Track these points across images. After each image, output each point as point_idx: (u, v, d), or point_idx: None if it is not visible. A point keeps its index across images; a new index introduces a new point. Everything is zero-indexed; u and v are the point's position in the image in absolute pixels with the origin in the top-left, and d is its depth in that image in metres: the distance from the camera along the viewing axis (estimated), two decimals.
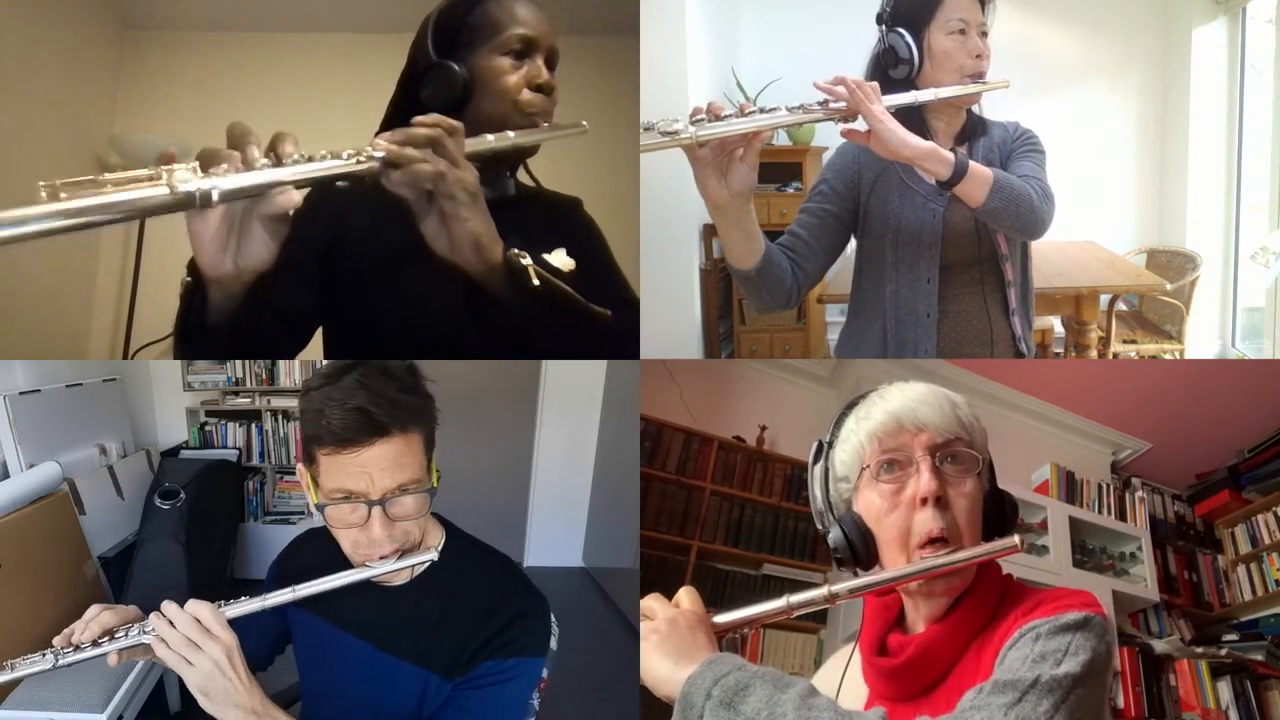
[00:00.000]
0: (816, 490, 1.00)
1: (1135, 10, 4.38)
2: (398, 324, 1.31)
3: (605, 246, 1.52)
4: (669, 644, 0.85)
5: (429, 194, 1.08)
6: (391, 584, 1.16)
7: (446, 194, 1.07)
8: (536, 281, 1.12)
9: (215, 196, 0.93)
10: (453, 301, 1.16)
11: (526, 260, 1.12)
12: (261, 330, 1.18)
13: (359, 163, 1.05)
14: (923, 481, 0.91)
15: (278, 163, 0.99)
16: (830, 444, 1.00)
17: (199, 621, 0.97)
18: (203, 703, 0.96)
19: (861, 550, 0.94)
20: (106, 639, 1.01)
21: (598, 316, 1.24)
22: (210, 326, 1.07)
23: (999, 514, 0.95)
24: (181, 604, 1.00)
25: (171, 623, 0.97)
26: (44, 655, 1.00)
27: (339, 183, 1.05)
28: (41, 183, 0.83)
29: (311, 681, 1.25)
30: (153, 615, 0.99)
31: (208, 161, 0.95)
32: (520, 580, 1.20)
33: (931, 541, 0.90)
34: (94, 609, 1.04)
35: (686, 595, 0.92)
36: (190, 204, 0.92)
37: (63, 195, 0.83)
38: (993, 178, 1.43)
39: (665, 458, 2.77)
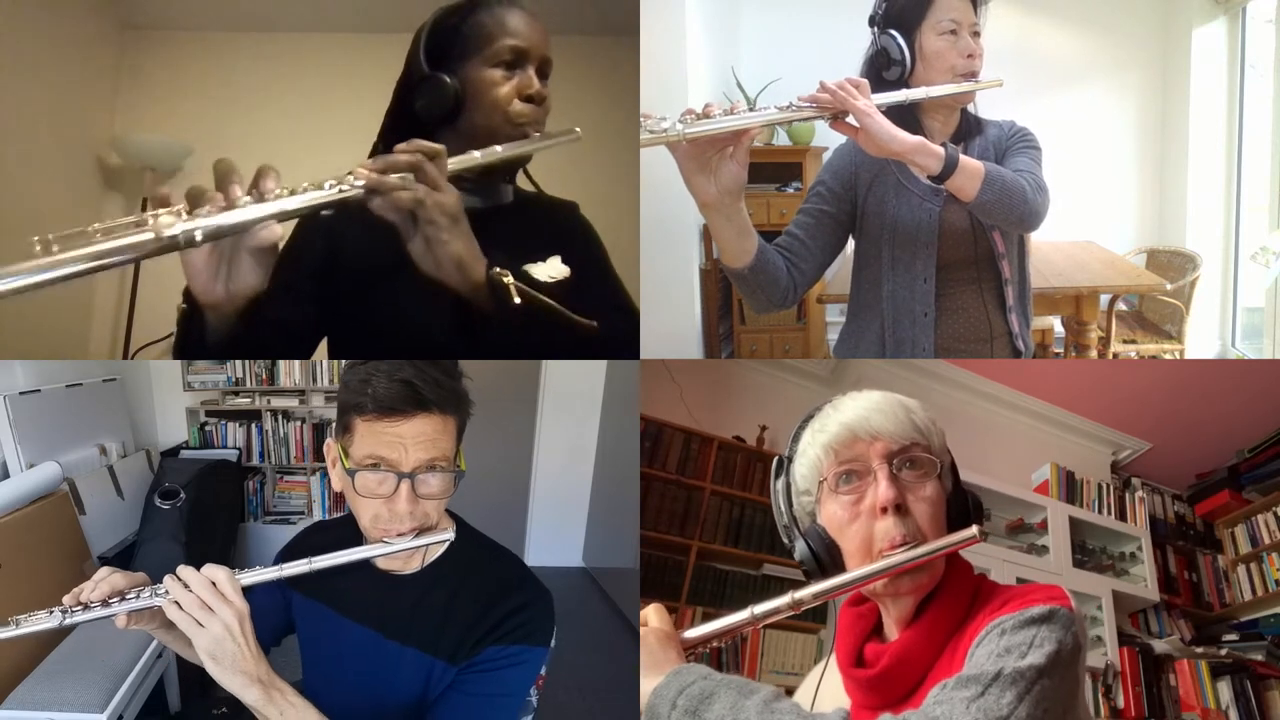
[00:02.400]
0: (781, 504, 1.00)
1: (1135, 10, 4.38)
2: (394, 336, 1.32)
3: (602, 251, 1.52)
4: (642, 659, 0.87)
5: (414, 216, 1.11)
6: (400, 572, 1.18)
7: (427, 218, 1.10)
8: (517, 299, 1.15)
9: (199, 237, 0.98)
10: (444, 315, 1.19)
11: (508, 279, 1.15)
12: (264, 345, 1.21)
13: (342, 191, 1.08)
14: (881, 490, 0.91)
15: (260, 199, 1.03)
16: (790, 458, 1.00)
17: (214, 585, 0.98)
18: (210, 667, 0.96)
19: (827, 562, 0.94)
20: (116, 600, 1.00)
21: (584, 329, 1.24)
22: (209, 346, 1.12)
23: (963, 514, 0.94)
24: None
25: (186, 585, 0.97)
26: (50, 613, 1.00)
27: (324, 212, 1.09)
28: (35, 237, 0.89)
29: (315, 671, 1.26)
30: (167, 578, 0.99)
31: (195, 202, 1.00)
32: (525, 573, 1.22)
33: (895, 549, 0.90)
34: (104, 570, 1.03)
35: (654, 613, 0.93)
36: (175, 247, 0.97)
37: (55, 249, 0.89)
38: (984, 171, 1.43)
39: (665, 458, 2.77)
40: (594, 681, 2.85)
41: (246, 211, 1.02)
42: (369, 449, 1.06)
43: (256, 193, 1.03)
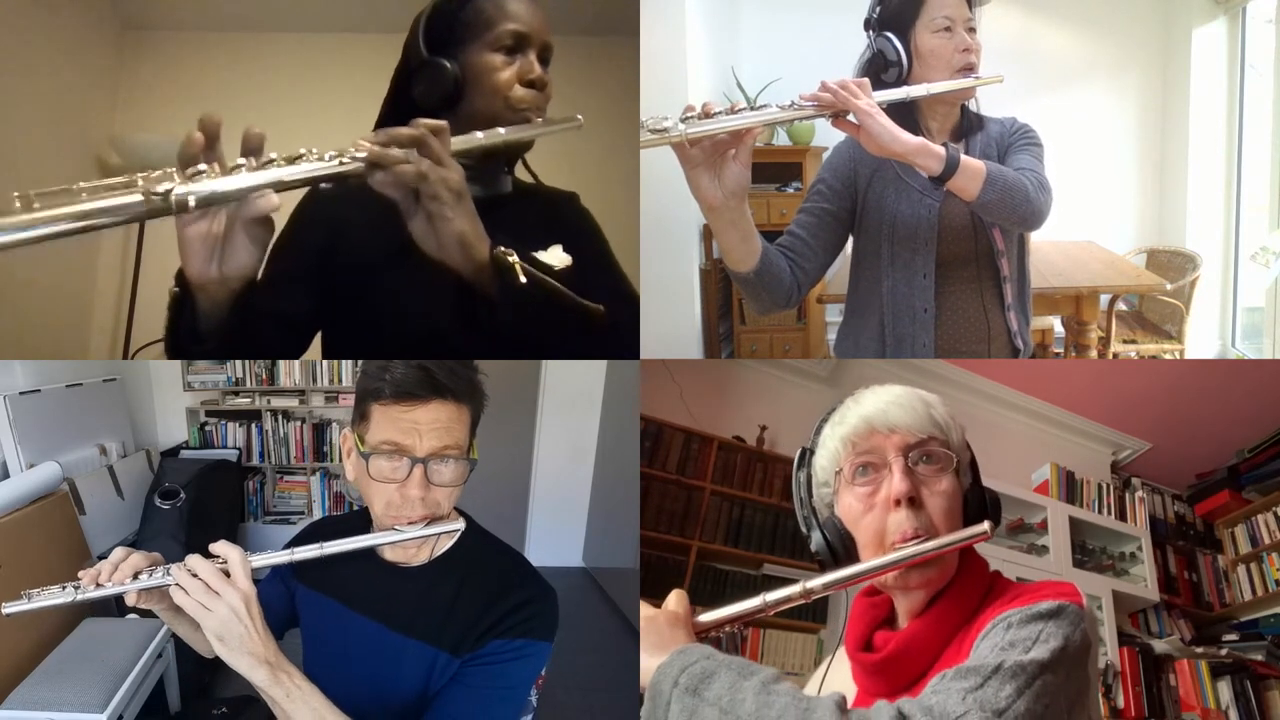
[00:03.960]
0: (801, 495, 1.01)
1: (1135, 10, 4.38)
2: (395, 323, 1.31)
3: (603, 240, 1.51)
4: (646, 640, 0.87)
5: (416, 194, 1.09)
6: (407, 565, 1.18)
7: (430, 194, 1.08)
8: (523, 279, 1.13)
9: (192, 203, 0.95)
10: (447, 300, 1.17)
11: (513, 258, 1.13)
12: (260, 336, 1.20)
13: (342, 164, 1.06)
14: (895, 483, 0.92)
15: (257, 165, 1.01)
16: (811, 451, 1.01)
17: (222, 568, 0.99)
18: (218, 648, 0.98)
19: (842, 553, 0.95)
20: (129, 578, 1.02)
21: (590, 311, 1.23)
22: (201, 334, 1.10)
23: (980, 510, 0.95)
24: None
25: (194, 573, 0.99)
26: (64, 588, 1.01)
27: (323, 185, 1.07)
28: (15, 194, 0.84)
29: (317, 663, 1.26)
30: (174, 565, 1.01)
31: (186, 160, 0.97)
32: (531, 570, 1.23)
33: (906, 542, 0.90)
34: (120, 551, 1.04)
35: (674, 597, 0.94)
36: (166, 210, 0.93)
37: (36, 205, 0.85)
38: (986, 171, 1.43)
39: (665, 458, 2.77)
40: (594, 681, 2.85)
41: (244, 178, 0.99)
42: (385, 434, 1.07)
43: (252, 160, 1.01)
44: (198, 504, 3.10)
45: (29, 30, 3.01)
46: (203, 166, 0.97)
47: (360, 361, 1.28)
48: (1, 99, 2.86)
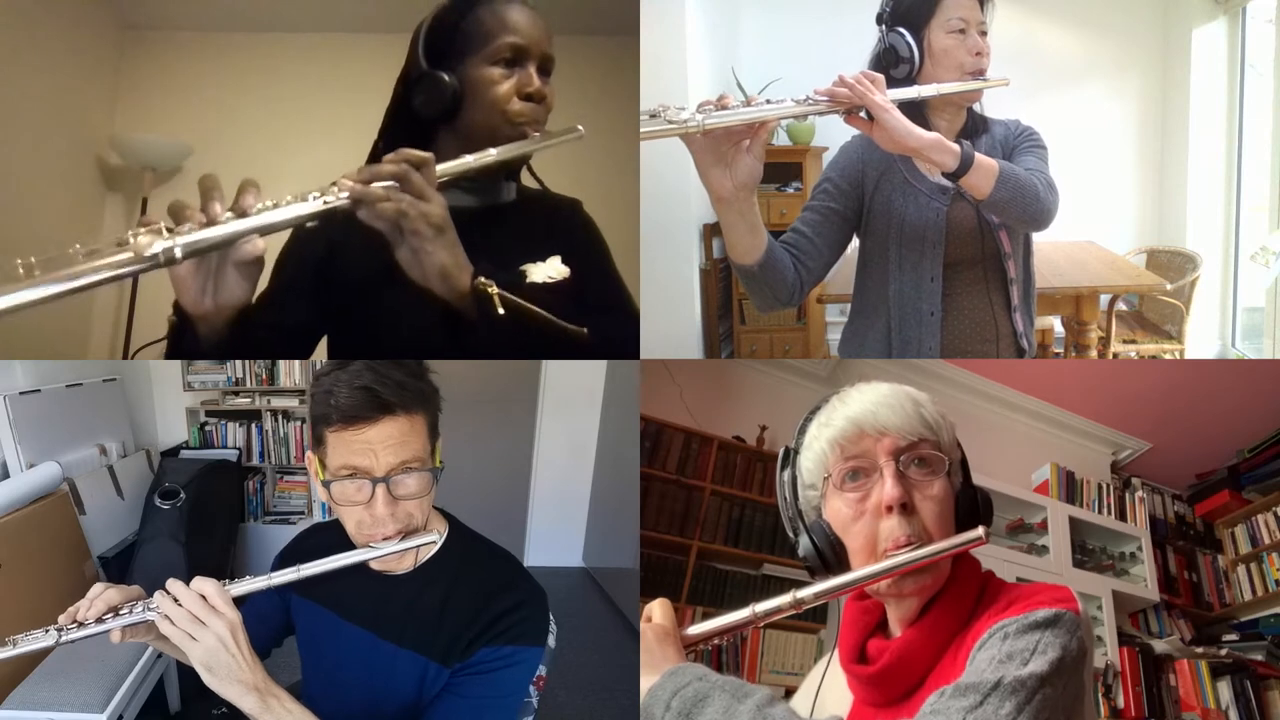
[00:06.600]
0: (786, 496, 0.98)
1: (1135, 10, 4.39)
2: (390, 336, 1.32)
3: (604, 250, 1.50)
4: (642, 656, 0.86)
5: (400, 225, 1.10)
6: (394, 573, 1.18)
7: (411, 229, 1.10)
8: (501, 311, 1.14)
9: (179, 254, 1.01)
10: (436, 318, 1.19)
11: (493, 289, 1.14)
12: (262, 346, 1.22)
13: (325, 204, 1.09)
14: (886, 489, 0.89)
15: (242, 214, 1.05)
16: (796, 451, 0.98)
17: (204, 598, 0.98)
18: (206, 678, 0.97)
19: (831, 558, 0.92)
20: (110, 616, 1.01)
21: (573, 336, 1.22)
22: (204, 353, 1.13)
23: (971, 512, 0.92)
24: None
25: (177, 600, 0.98)
26: (46, 631, 1.01)
27: (309, 224, 1.10)
28: (19, 260, 0.91)
29: (313, 672, 1.27)
30: (157, 593, 1.00)
31: (177, 217, 1.03)
32: (520, 572, 1.22)
33: (899, 549, 0.88)
34: (98, 587, 1.04)
35: (658, 608, 0.92)
36: (156, 265, 1.00)
37: (36, 272, 0.92)
38: (999, 168, 1.43)
39: (665, 458, 2.77)
40: (594, 681, 2.85)
41: (227, 227, 1.04)
42: (342, 459, 1.06)
43: (238, 208, 1.05)
44: (198, 504, 3.10)
45: (29, 30, 3.01)
46: (189, 225, 1.03)
47: (319, 362, 1.29)
48: (2, 99, 2.86)
